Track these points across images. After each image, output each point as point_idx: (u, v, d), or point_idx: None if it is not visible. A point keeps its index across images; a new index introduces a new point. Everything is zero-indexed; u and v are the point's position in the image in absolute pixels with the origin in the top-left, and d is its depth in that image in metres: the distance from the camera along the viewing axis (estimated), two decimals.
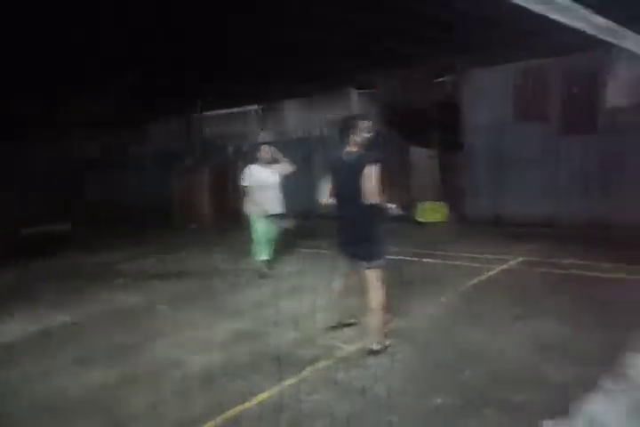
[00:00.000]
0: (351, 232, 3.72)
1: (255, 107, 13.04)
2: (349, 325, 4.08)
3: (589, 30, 2.33)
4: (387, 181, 3.55)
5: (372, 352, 3.63)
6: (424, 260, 6.69)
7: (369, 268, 3.64)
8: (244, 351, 3.88)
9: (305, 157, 6.53)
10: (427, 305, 4.73)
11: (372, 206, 3.53)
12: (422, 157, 10.09)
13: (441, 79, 9.60)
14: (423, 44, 8.02)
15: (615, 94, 7.75)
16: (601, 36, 2.40)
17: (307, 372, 3.42)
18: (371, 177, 3.47)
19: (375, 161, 3.51)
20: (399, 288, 4.65)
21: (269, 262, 6.45)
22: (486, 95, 9.04)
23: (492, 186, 9.12)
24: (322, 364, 3.54)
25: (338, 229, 3.82)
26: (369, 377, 3.29)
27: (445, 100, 9.41)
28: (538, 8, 2.38)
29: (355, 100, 11.19)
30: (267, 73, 9.54)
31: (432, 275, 5.91)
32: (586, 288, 4.94)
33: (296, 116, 12.32)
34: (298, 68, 9.39)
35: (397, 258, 6.09)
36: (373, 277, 3.63)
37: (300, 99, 12.13)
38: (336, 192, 3.78)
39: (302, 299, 5.14)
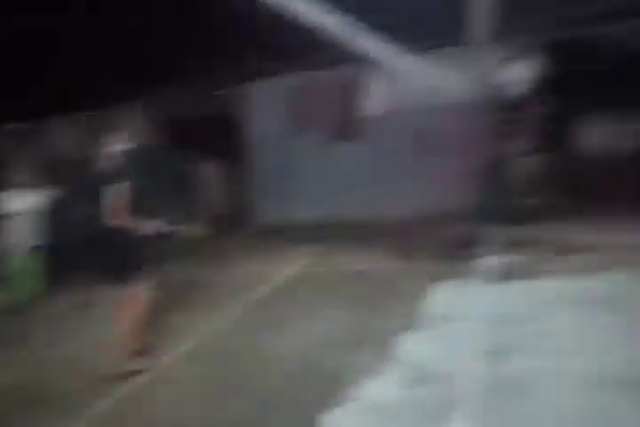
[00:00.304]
0: (102, 255, 3.50)
1: (15, 126, 11.38)
2: (132, 356, 3.74)
3: (356, 45, 2.54)
4: (138, 200, 3.39)
5: (141, 372, 3.47)
6: (204, 276, 6.29)
7: (129, 290, 3.48)
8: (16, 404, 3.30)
9: (74, 180, 5.91)
10: (213, 320, 4.61)
11: (119, 227, 3.36)
12: (205, 171, 9.99)
13: (220, 92, 9.69)
14: (198, 57, 8.00)
15: (377, 103, 8.83)
16: (366, 51, 2.65)
17: (90, 413, 3.07)
18: (112, 196, 3.34)
19: (120, 179, 3.38)
20: (177, 308, 4.51)
21: (32, 300, 5.66)
22: (265, 107, 9.45)
23: (275, 195, 9.51)
24: (104, 402, 3.20)
25: (90, 252, 3.59)
26: (160, 404, 3.11)
27: (226, 113, 9.54)
28: (312, 22, 2.52)
29: (136, 116, 10.58)
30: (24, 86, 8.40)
31: (214, 289, 5.70)
32: (365, 282, 5.39)
33: (68, 136, 11.11)
34: (65, 83, 8.47)
35: (173, 278, 5.60)
36: (135, 300, 3.49)
37: (72, 116, 10.96)
38: (89, 213, 3.50)
39: (76, 337, 4.58)
